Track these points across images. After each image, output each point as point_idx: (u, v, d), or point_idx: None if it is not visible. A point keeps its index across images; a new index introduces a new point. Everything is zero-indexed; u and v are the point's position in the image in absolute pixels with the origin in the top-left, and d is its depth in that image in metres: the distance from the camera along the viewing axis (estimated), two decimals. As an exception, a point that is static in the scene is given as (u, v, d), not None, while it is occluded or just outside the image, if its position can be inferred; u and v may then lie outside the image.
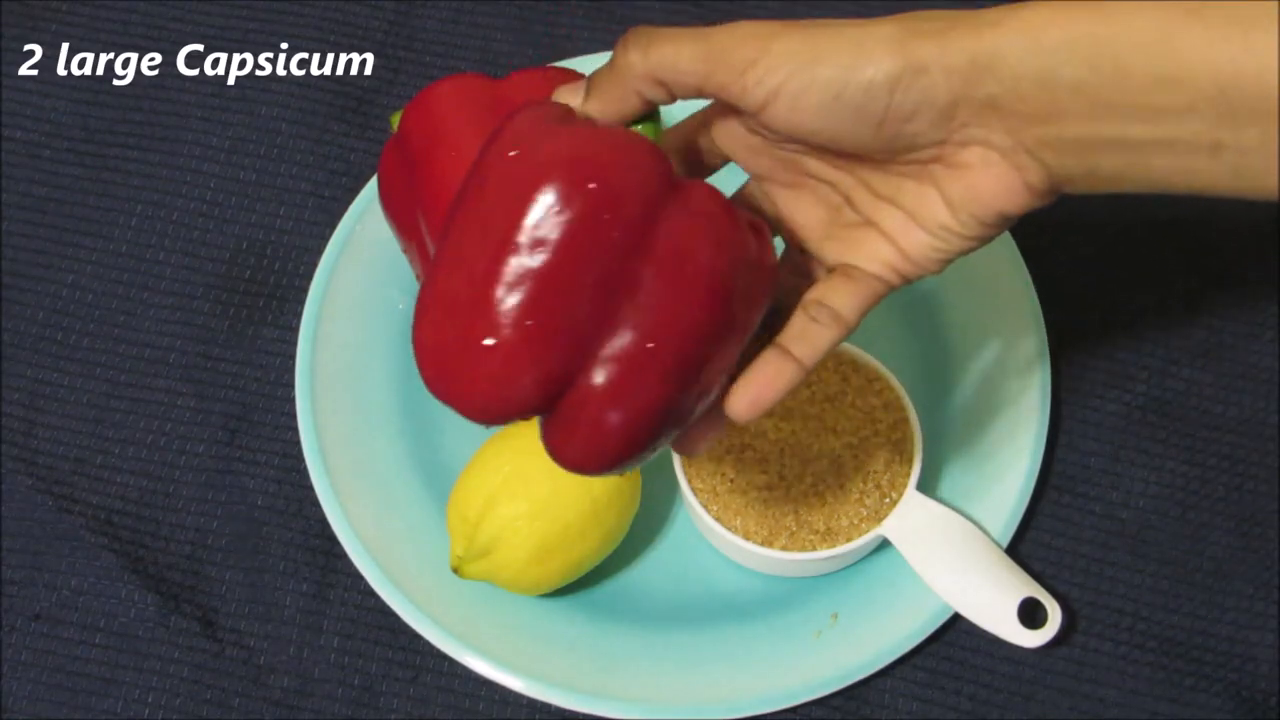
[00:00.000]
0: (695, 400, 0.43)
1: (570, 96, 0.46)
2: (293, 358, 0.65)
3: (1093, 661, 0.60)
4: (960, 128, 0.41)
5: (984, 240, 0.45)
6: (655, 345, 0.42)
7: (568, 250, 0.41)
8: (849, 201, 0.46)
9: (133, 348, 0.66)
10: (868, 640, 0.59)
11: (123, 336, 0.66)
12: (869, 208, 0.46)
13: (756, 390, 0.44)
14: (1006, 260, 0.65)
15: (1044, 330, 0.64)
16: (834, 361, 0.61)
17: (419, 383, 0.64)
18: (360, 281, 0.66)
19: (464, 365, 0.42)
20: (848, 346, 0.61)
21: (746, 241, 0.43)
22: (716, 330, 0.43)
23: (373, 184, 0.66)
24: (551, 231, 0.40)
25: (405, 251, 0.63)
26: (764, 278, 0.44)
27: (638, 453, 0.43)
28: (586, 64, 0.69)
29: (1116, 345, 0.66)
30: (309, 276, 0.66)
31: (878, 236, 0.46)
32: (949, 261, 0.46)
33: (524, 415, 0.43)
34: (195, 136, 0.71)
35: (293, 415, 0.64)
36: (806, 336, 0.45)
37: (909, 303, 0.66)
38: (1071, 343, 0.66)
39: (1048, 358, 0.64)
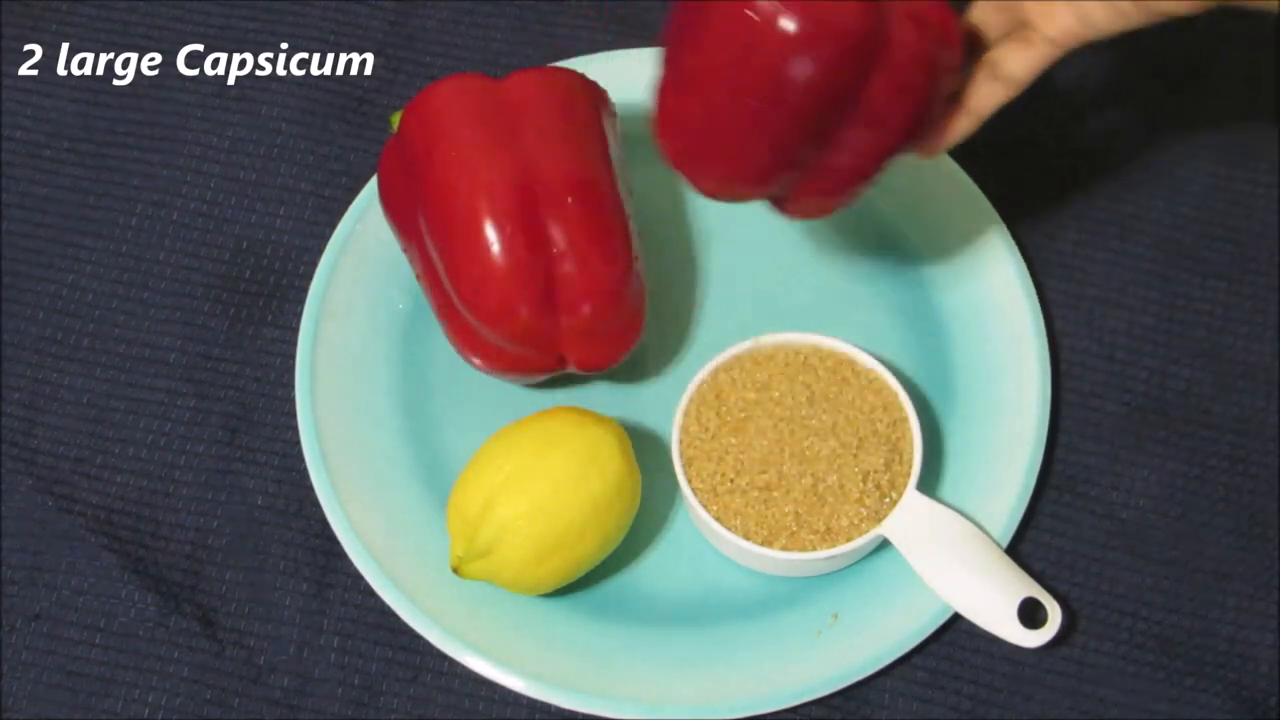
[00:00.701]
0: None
1: None
2: (293, 358, 0.65)
3: (1093, 661, 0.60)
4: None
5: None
6: (876, 146, 0.53)
7: (810, 86, 0.50)
8: None
9: (133, 348, 0.66)
10: (868, 640, 0.59)
11: (123, 336, 0.66)
12: None
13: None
14: (1007, 259, 0.66)
15: (1044, 329, 0.64)
16: (834, 362, 0.61)
17: (419, 382, 0.65)
18: (360, 281, 0.66)
19: (713, 154, 0.54)
20: (847, 346, 0.61)
21: (955, 40, 0.52)
22: (921, 122, 0.54)
23: (373, 184, 0.66)
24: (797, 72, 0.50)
25: (405, 251, 0.63)
26: (957, 59, 0.53)
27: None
28: (586, 64, 0.69)
29: (1116, 345, 0.66)
30: (309, 276, 0.66)
31: (1064, 5, 0.53)
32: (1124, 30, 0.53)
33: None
34: (195, 136, 0.71)
35: (293, 415, 0.64)
36: (980, 93, 0.55)
37: (909, 303, 0.66)
38: (1071, 343, 0.66)
39: (1048, 357, 0.64)
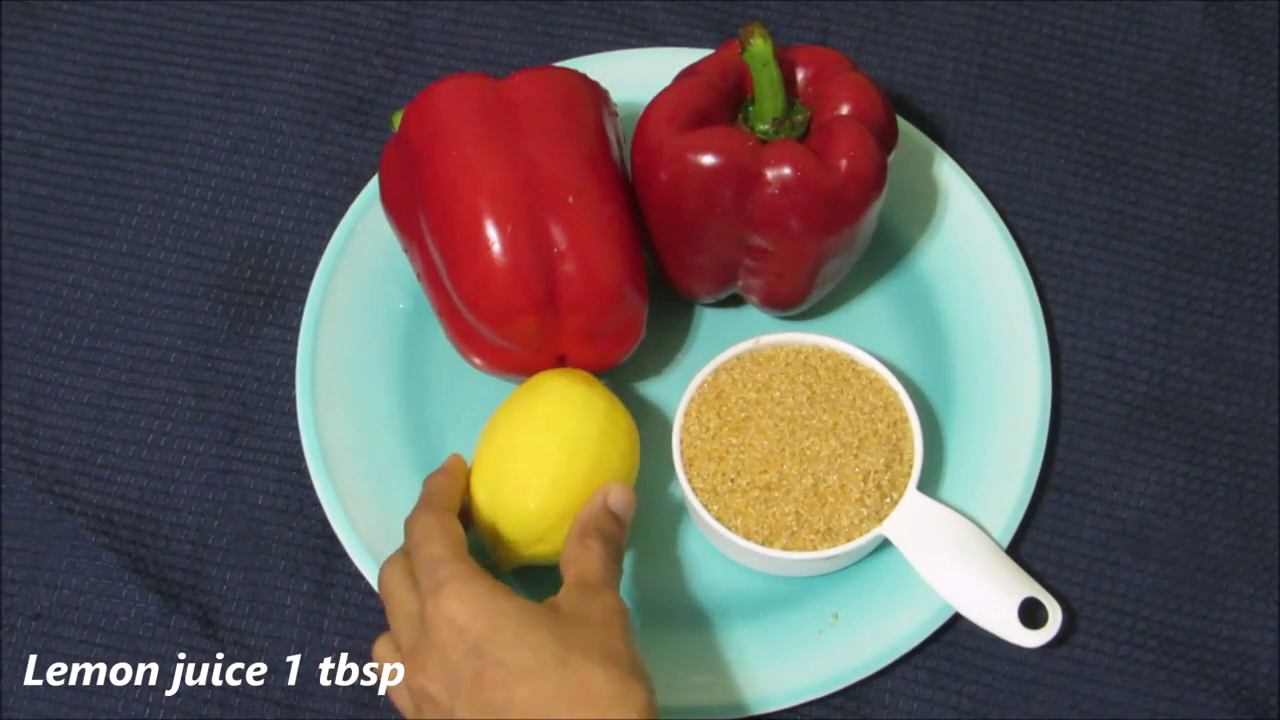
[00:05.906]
0: None
1: None
2: (293, 357, 0.65)
3: (1093, 661, 0.60)
4: None
5: None
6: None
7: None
8: None
9: (133, 347, 0.66)
10: (868, 640, 0.59)
11: (123, 336, 0.66)
12: None
13: None
14: (1007, 260, 0.66)
15: (1044, 330, 0.64)
16: (834, 361, 0.61)
17: (419, 382, 0.65)
18: (361, 281, 0.66)
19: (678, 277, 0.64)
20: (847, 346, 0.61)
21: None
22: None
23: (374, 183, 0.66)
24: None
25: (406, 251, 0.63)
26: None
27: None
28: (587, 64, 0.69)
29: (1116, 345, 0.66)
30: (310, 276, 0.66)
31: None
32: None
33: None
34: (196, 136, 0.71)
35: (293, 415, 0.64)
36: None
37: (909, 303, 0.66)
38: (1071, 343, 0.66)
39: (1048, 358, 0.64)
